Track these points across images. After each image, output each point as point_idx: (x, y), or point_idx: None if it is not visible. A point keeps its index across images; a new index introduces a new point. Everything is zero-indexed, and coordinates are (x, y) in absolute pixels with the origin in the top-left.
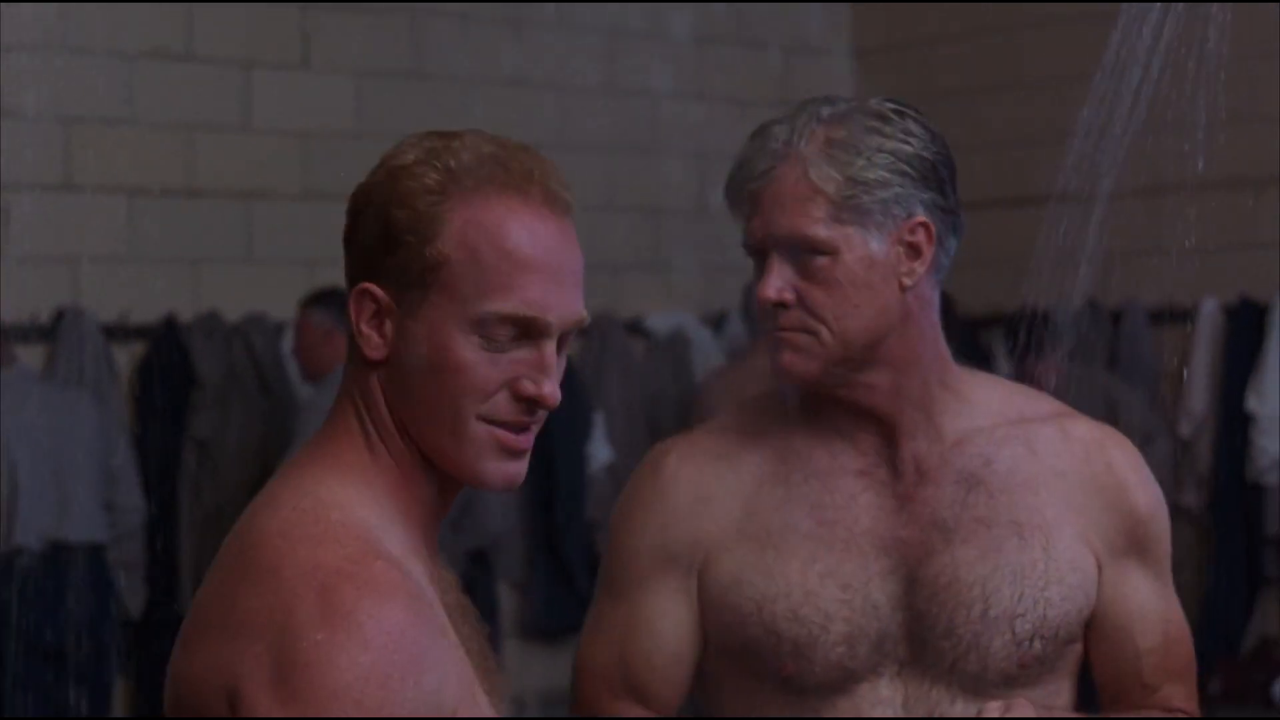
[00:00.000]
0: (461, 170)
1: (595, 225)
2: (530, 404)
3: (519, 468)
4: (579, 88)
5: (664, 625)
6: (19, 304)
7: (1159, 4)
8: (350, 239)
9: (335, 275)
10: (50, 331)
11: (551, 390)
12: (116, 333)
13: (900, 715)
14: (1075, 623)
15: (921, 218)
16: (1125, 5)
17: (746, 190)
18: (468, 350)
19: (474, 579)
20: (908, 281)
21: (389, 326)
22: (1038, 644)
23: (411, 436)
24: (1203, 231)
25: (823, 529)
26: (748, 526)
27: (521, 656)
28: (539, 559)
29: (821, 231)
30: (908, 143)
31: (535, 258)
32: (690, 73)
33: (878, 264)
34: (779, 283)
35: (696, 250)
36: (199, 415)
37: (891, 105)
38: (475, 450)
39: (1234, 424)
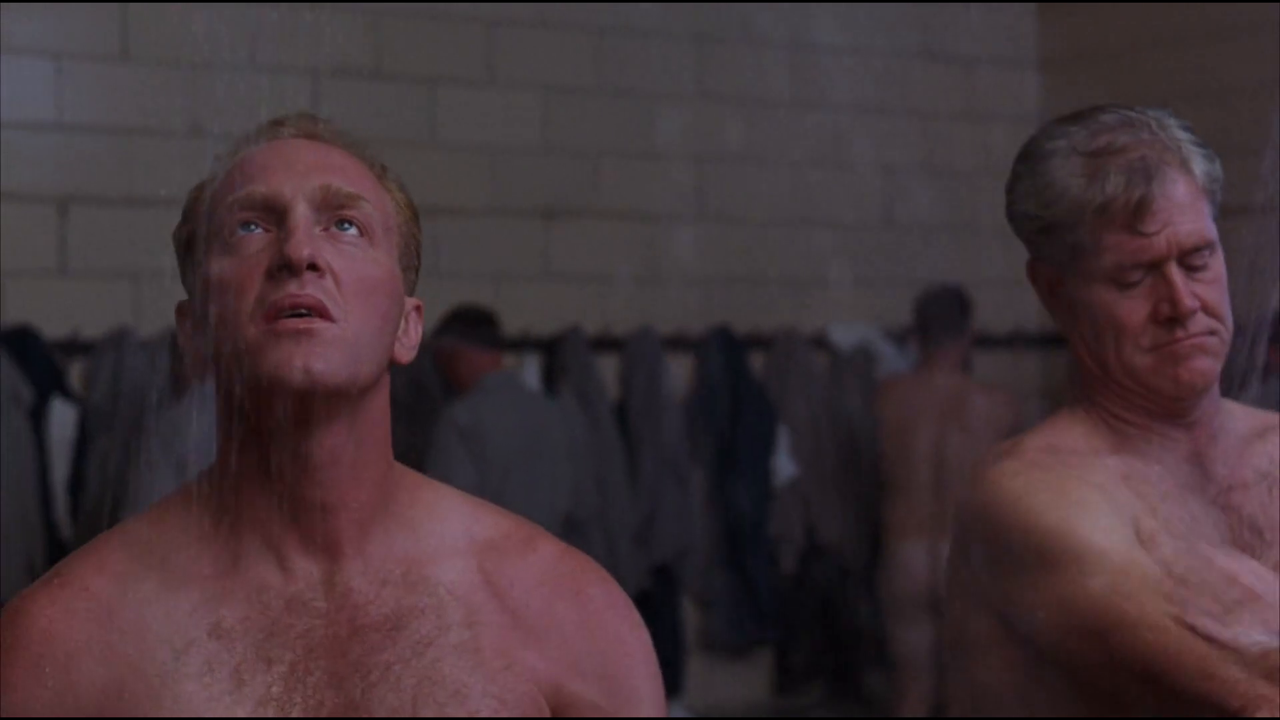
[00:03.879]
0: (227, 155)
1: (780, 239)
2: (282, 272)
3: (307, 355)
4: (764, 101)
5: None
6: None
7: None
8: None
9: (520, 288)
10: None
11: (294, 245)
12: None
13: None
14: None
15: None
16: None
17: (1139, 199)
18: (217, 263)
19: (658, 594)
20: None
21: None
22: None
23: (239, 427)
24: None
25: (1195, 536)
26: (1152, 518)
27: (705, 671)
28: (722, 574)
29: (1213, 231)
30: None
31: (265, 158)
32: (875, 85)
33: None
34: (1190, 289)
35: (881, 264)
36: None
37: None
38: (260, 354)
39: None
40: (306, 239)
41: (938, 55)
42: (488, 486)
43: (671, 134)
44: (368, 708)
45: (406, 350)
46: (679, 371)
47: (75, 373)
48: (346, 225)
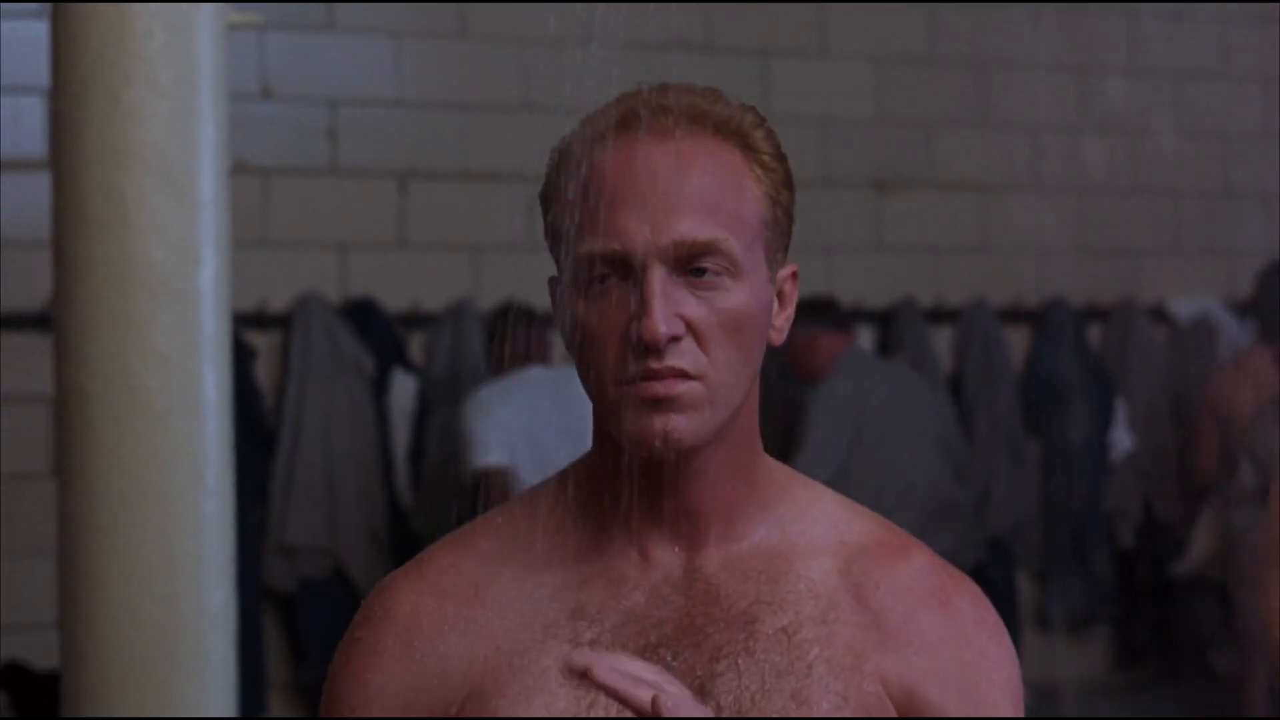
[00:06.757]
0: (580, 130)
1: (1117, 208)
2: (643, 349)
3: (666, 422)
4: (1098, 69)
5: None
6: None
7: None
8: None
9: (853, 260)
10: None
11: (649, 327)
12: None
13: None
14: None
15: None
16: None
17: None
18: (581, 309)
19: (992, 567)
20: None
21: None
22: None
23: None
24: None
25: None
26: None
27: (1040, 646)
28: (1058, 548)
29: None
30: None
31: (617, 185)
32: (1213, 50)
33: None
34: None
35: (1221, 233)
36: None
37: None
38: (620, 416)
39: None
40: (662, 316)
41: (1276, 19)
42: (863, 456)
43: (1006, 103)
44: (714, 694)
45: (779, 333)
46: (1014, 343)
47: (415, 344)
48: (704, 272)
